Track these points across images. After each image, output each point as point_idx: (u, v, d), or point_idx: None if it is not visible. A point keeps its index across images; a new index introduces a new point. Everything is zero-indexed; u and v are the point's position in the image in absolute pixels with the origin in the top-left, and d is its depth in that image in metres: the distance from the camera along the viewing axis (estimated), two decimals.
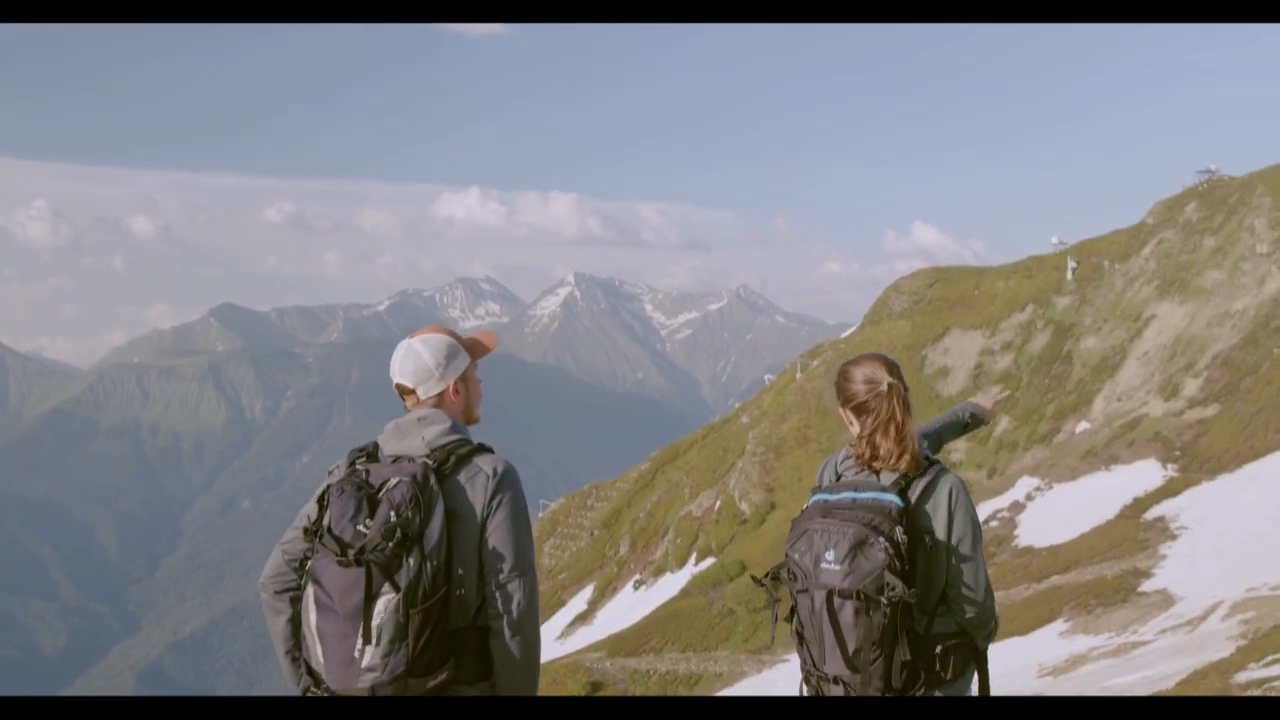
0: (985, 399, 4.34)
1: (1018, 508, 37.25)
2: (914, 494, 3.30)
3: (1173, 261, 45.80)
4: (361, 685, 2.86)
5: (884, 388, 3.40)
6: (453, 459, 3.05)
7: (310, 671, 2.98)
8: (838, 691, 3.24)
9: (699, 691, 31.94)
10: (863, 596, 3.09)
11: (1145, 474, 35.25)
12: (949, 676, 3.28)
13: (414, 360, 3.20)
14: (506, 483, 3.06)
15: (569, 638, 47.83)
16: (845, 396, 3.49)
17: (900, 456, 3.33)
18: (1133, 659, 18.17)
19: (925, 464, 3.38)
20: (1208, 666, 13.57)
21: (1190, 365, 40.08)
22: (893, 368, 3.47)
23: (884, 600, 3.09)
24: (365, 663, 2.86)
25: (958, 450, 42.26)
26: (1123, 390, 41.67)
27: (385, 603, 2.84)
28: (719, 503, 48.02)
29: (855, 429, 3.47)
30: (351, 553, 2.84)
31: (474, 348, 3.33)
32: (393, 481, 2.93)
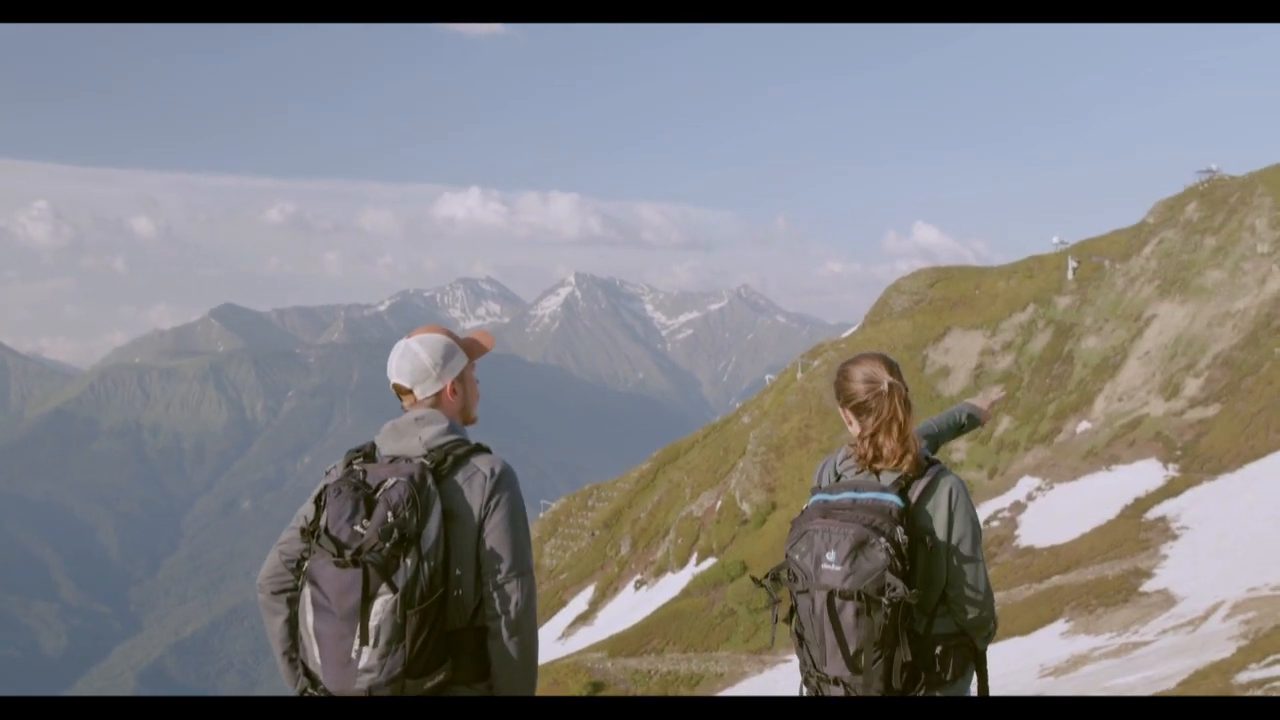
0: (981, 400, 4.34)
1: (1019, 508, 37.23)
2: (914, 494, 3.28)
3: (1173, 261, 45.78)
4: (358, 686, 2.85)
5: (884, 387, 3.39)
6: (450, 459, 3.03)
7: (307, 672, 2.97)
8: (838, 693, 3.22)
9: (700, 692, 31.93)
10: (864, 597, 3.08)
11: (1146, 474, 35.24)
12: (949, 677, 3.27)
13: (411, 360, 3.19)
14: (504, 483, 3.05)
15: (570, 638, 47.82)
16: (845, 396, 3.47)
17: (903, 457, 3.32)
18: (1134, 659, 18.15)
19: (925, 464, 3.37)
20: (1209, 667, 13.55)
21: (1191, 365, 40.05)
22: (892, 367, 3.45)
23: (885, 601, 3.07)
24: (362, 664, 2.84)
25: (959, 450, 42.25)
26: (1124, 390, 41.64)
27: (382, 604, 2.83)
28: (720, 503, 48.01)
29: (855, 429, 3.45)
30: (348, 553, 2.83)
31: (471, 348, 3.32)
32: (390, 482, 2.92)
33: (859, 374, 3.43)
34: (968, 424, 4.20)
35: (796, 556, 3.24)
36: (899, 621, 3.10)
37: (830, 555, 3.14)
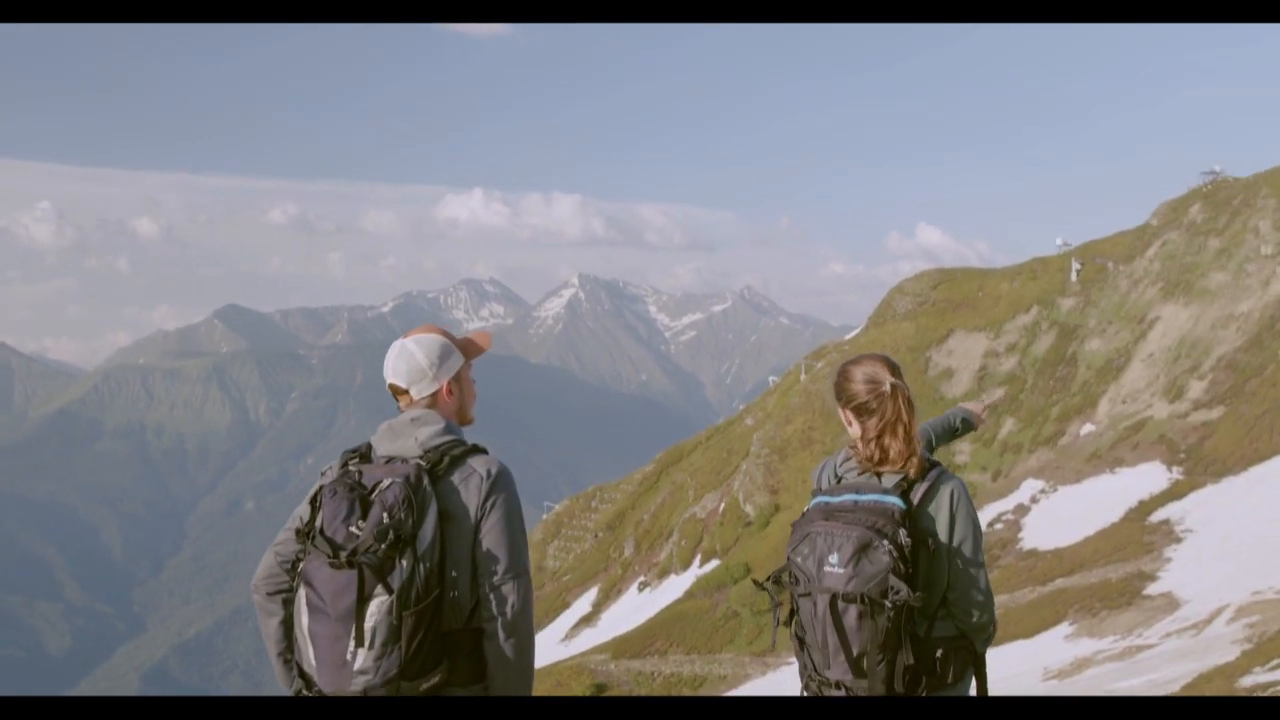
0: (975, 404, 4.33)
1: (1022, 510, 37.18)
2: (916, 496, 3.27)
3: (1177, 263, 45.72)
4: (354, 688, 2.84)
5: (887, 388, 3.36)
6: (446, 460, 3.02)
7: (302, 674, 2.96)
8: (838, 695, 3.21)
9: (703, 694, 31.91)
10: (867, 600, 3.06)
11: (1150, 477, 35.18)
12: (949, 681, 3.26)
13: (407, 360, 3.18)
14: (500, 484, 3.03)
15: (573, 640, 47.79)
16: (846, 397, 3.44)
17: (909, 458, 3.30)
18: (1138, 662, 18.12)
19: (927, 466, 3.35)
20: (1213, 670, 13.52)
21: (1195, 367, 39.99)
22: (894, 368, 3.43)
23: (888, 604, 3.06)
24: (357, 665, 2.83)
25: (962, 452, 42.22)
26: (1127, 392, 41.58)
27: (378, 605, 2.81)
28: (723, 505, 47.98)
29: (855, 430, 3.43)
30: (344, 554, 2.82)
31: (468, 348, 3.30)
32: (385, 483, 2.90)
33: (859, 374, 3.41)
34: (962, 428, 4.19)
35: (798, 559, 3.22)
36: (902, 624, 3.09)
37: (833, 558, 3.12)
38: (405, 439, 3.07)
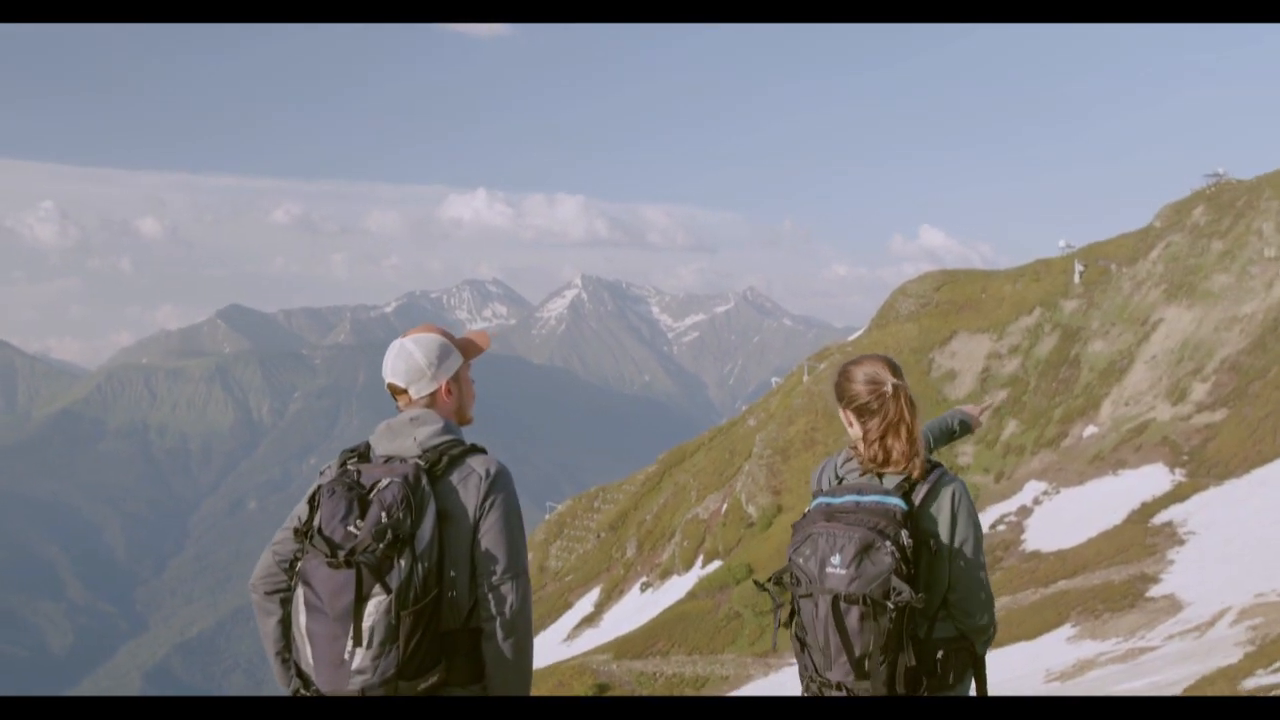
0: (973, 407, 4.32)
1: (1025, 512, 37.14)
2: (917, 497, 3.26)
3: (1180, 265, 45.66)
4: (351, 687, 2.83)
5: (889, 388, 3.36)
6: (445, 459, 3.01)
7: (300, 673, 2.95)
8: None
9: (705, 694, 31.89)
10: (869, 601, 3.06)
11: (1153, 479, 35.13)
12: (950, 682, 3.25)
13: (406, 359, 3.17)
14: (499, 484, 3.02)
15: (575, 640, 47.79)
16: (847, 397, 3.43)
17: (912, 459, 3.30)
18: (1140, 664, 18.09)
19: (928, 467, 3.34)
20: (1215, 672, 13.50)
21: (1198, 369, 39.94)
22: (895, 368, 3.42)
23: (891, 605, 3.05)
24: (355, 665, 2.82)
25: (965, 454, 42.20)
26: (1130, 394, 41.53)
27: (376, 604, 2.81)
28: (726, 505, 47.97)
29: (855, 431, 3.42)
30: (342, 554, 2.81)
31: (467, 348, 3.29)
32: (384, 482, 2.90)
33: (860, 375, 3.40)
34: (960, 430, 4.18)
35: (800, 560, 3.21)
36: (904, 626, 3.08)
37: (835, 559, 3.12)
38: (404, 438, 3.06)
